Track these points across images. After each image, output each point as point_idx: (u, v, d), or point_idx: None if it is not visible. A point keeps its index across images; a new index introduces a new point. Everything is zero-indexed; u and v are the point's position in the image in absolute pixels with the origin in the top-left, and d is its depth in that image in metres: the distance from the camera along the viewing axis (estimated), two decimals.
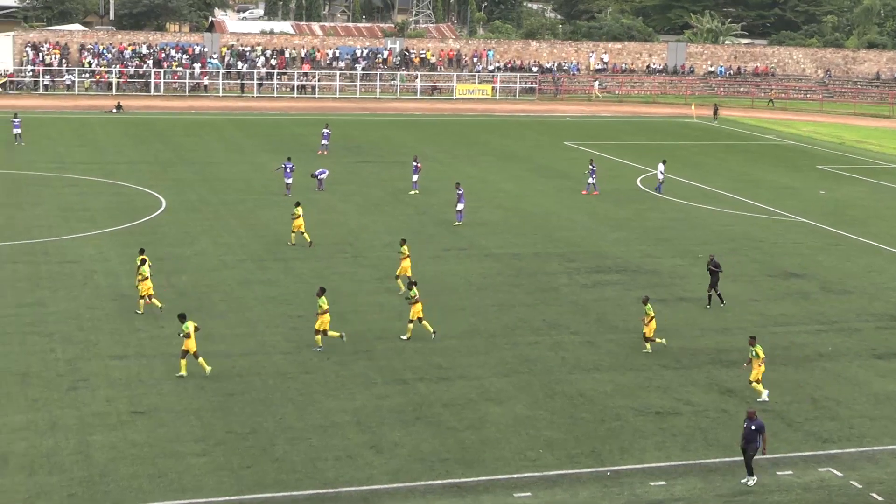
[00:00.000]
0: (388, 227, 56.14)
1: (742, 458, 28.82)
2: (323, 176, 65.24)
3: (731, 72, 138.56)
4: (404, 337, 38.83)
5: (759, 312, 44.10)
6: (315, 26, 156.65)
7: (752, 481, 28.53)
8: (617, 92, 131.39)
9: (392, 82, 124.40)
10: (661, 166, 69.01)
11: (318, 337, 37.51)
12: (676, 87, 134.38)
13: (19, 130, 78.97)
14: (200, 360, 34.51)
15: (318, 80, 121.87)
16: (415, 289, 38.85)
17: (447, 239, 54.24)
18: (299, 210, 51.61)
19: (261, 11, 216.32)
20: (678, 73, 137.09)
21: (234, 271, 46.93)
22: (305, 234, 51.54)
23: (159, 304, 40.54)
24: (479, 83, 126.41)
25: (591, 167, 67.97)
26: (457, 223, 56.78)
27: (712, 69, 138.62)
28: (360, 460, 29.21)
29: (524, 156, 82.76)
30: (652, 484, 28.55)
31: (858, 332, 42.05)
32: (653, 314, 38.46)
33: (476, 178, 71.43)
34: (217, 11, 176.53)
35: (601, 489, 28.20)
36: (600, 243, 54.75)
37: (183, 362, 34.39)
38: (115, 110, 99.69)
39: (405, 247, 44.88)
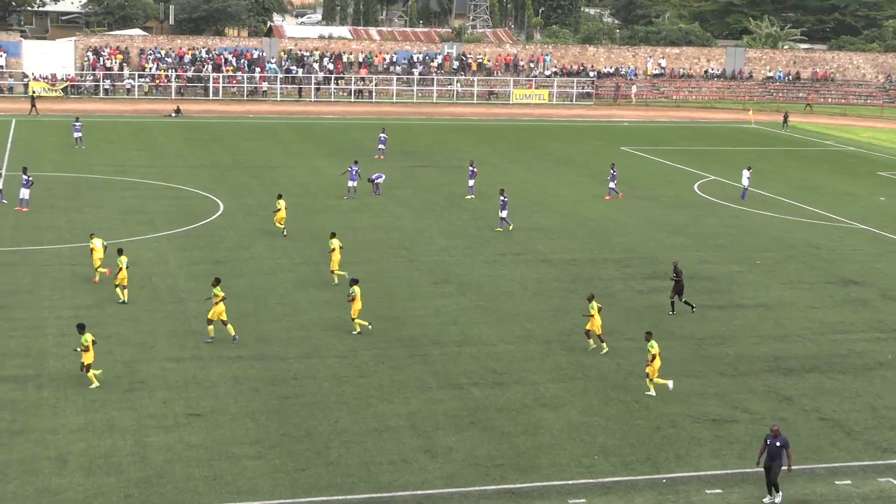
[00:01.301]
0: (444, 232, 56.18)
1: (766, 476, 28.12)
2: (379, 180, 65.44)
3: (790, 77, 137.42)
4: (354, 332, 39.44)
5: (818, 320, 43.66)
6: (372, 31, 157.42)
7: (778, 498, 28.00)
8: (674, 97, 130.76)
9: (449, 87, 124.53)
10: (746, 173, 68.58)
11: (210, 327, 38.24)
12: (734, 93, 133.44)
13: (80, 134, 79.95)
14: (90, 373, 33.73)
15: (375, 85, 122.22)
16: (355, 287, 39.33)
17: (503, 244, 54.17)
18: (281, 203, 53.88)
19: (319, 16, 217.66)
20: (736, 79, 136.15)
21: (290, 275, 47.14)
22: (280, 224, 53.88)
23: (123, 297, 42.24)
24: (536, 88, 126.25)
25: (612, 171, 67.89)
26: (498, 229, 56.59)
27: (771, 74, 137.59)
28: (415, 465, 29.23)
29: (581, 161, 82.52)
30: (708, 492, 28.33)
31: None
32: (599, 306, 38.52)
33: (532, 184, 71.36)
34: (275, 16, 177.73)
35: (657, 496, 28.02)
36: (657, 249, 54.46)
37: (90, 374, 33.79)
38: (173, 114, 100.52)
39: (334, 240, 45.80)
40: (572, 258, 51.99)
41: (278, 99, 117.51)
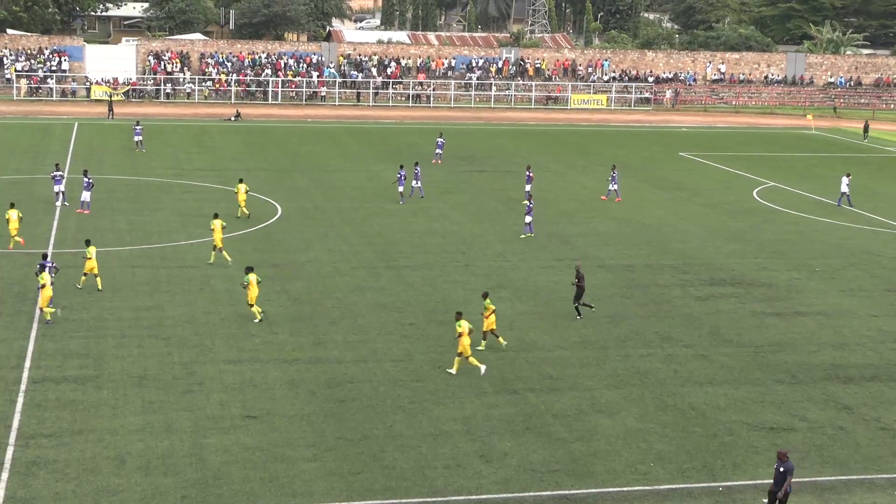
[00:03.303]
0: (501, 236, 56.13)
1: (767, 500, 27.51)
2: (417, 184, 65.08)
3: (852, 83, 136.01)
4: (255, 320, 40.56)
5: (878, 328, 43.17)
6: (431, 36, 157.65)
7: None
8: (734, 103, 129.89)
9: (507, 92, 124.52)
10: (845, 179, 68.10)
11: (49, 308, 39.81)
12: (795, 98, 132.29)
13: (140, 137, 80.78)
14: None
15: (433, 90, 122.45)
16: (250, 275, 40.28)
17: (559, 249, 54.05)
18: (241, 186, 58.33)
19: (377, 21, 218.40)
20: (797, 84, 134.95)
21: (347, 278, 47.32)
22: (244, 209, 58.06)
23: (79, 286, 44.03)
24: (594, 93, 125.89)
25: (612, 173, 67.70)
26: (522, 235, 56.32)
27: (832, 80, 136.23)
28: (470, 469, 29.22)
29: (639, 167, 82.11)
30: (765, 501, 28.07)
31: None
32: (493, 308, 38.44)
33: (590, 189, 71.19)
34: (334, 21, 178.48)
35: None
36: (715, 255, 54.11)
37: None
38: (233, 118, 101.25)
39: (216, 220, 48.73)
40: (629, 264, 51.77)
41: (337, 103, 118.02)
